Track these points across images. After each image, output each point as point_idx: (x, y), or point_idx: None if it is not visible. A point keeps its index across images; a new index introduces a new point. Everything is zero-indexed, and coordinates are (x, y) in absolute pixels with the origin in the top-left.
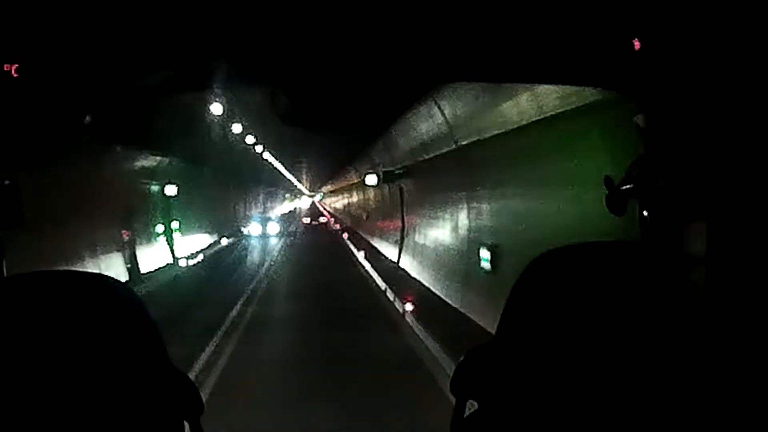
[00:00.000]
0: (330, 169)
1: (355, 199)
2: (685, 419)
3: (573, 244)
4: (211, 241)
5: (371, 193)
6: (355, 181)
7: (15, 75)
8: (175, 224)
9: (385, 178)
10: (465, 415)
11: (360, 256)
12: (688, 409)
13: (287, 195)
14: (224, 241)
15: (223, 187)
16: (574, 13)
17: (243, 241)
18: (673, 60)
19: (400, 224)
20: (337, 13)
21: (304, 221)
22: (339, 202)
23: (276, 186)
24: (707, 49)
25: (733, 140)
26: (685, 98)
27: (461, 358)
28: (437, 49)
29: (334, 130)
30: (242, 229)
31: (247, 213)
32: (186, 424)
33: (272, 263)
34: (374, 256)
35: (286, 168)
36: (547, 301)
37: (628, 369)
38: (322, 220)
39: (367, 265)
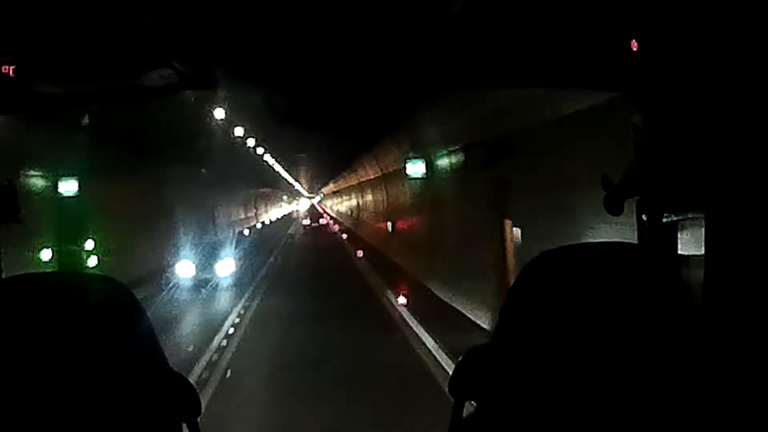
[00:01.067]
0: (332, 166)
1: (369, 198)
2: (682, 420)
3: (570, 245)
4: (164, 264)
5: (401, 191)
6: (371, 176)
7: (12, 75)
8: (88, 245)
9: (467, 161)
10: (464, 416)
11: (404, 312)
12: (685, 410)
13: (284, 197)
14: (186, 269)
15: (192, 185)
16: (571, 16)
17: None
18: (670, 60)
19: (498, 252)
20: (338, 16)
21: (304, 223)
22: (343, 204)
23: (270, 186)
24: (704, 49)
25: (730, 141)
26: (682, 99)
27: (460, 359)
28: (435, 53)
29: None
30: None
31: (232, 220)
32: (184, 425)
33: (258, 286)
34: (431, 309)
35: (282, 166)
36: (544, 302)
37: (626, 370)
38: (322, 221)
39: (428, 341)
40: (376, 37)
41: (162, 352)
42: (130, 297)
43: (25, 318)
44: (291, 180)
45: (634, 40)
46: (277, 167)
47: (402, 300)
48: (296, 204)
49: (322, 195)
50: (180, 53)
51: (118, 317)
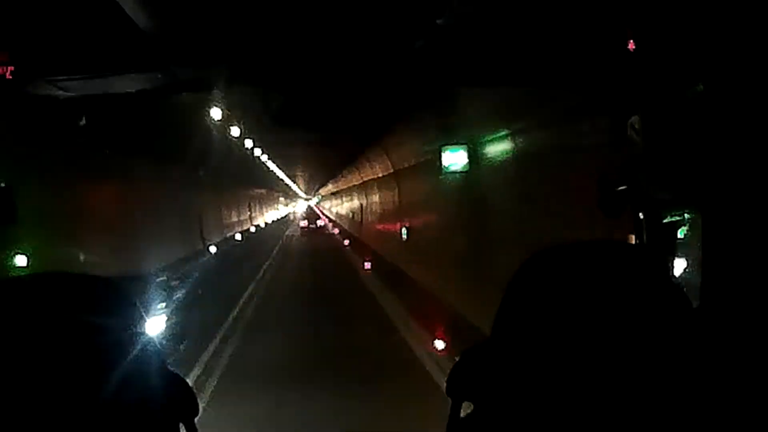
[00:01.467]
0: (332, 164)
1: (376, 199)
2: (678, 420)
3: (566, 243)
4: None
5: (422, 191)
6: (380, 174)
7: (9, 77)
8: (19, 260)
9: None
10: (461, 417)
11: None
12: (682, 409)
13: (281, 198)
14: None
15: (174, 186)
16: (568, 18)
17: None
18: (668, 61)
19: None
20: (338, 17)
21: (301, 225)
22: (344, 206)
23: (264, 187)
24: (701, 48)
25: (726, 139)
26: (680, 100)
27: (457, 360)
28: (434, 54)
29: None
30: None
31: (224, 224)
32: (182, 426)
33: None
34: None
35: (276, 165)
36: (541, 301)
37: (622, 370)
38: (320, 223)
39: None
40: (375, 32)
41: (160, 352)
42: (127, 297)
43: (22, 318)
44: (287, 180)
45: (631, 41)
46: (271, 165)
47: (440, 345)
48: (293, 206)
49: (320, 196)
50: (176, 56)
51: (114, 317)
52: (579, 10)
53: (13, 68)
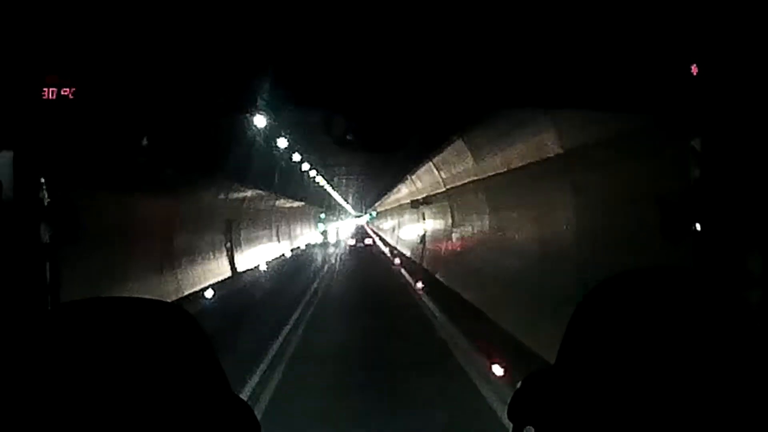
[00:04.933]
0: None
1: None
2: None
3: (635, 269)
4: None
5: None
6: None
7: (71, 98)
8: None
9: None
10: None
11: None
12: None
13: (322, 215)
14: None
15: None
16: (631, 41)
17: None
18: (731, 84)
19: None
20: (399, 36)
21: (349, 243)
22: (453, 233)
23: (281, 192)
24: (765, 73)
25: None
26: (742, 123)
27: (519, 384)
28: (495, 73)
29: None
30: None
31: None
32: None
33: None
34: None
35: (322, 175)
36: (607, 328)
37: (693, 400)
38: (368, 242)
39: None
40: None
41: (224, 377)
42: (192, 322)
43: (84, 343)
44: (336, 196)
45: (694, 65)
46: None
47: None
48: (331, 230)
49: (374, 213)
50: (229, 78)
51: (178, 343)
52: (642, 33)
53: (75, 89)
